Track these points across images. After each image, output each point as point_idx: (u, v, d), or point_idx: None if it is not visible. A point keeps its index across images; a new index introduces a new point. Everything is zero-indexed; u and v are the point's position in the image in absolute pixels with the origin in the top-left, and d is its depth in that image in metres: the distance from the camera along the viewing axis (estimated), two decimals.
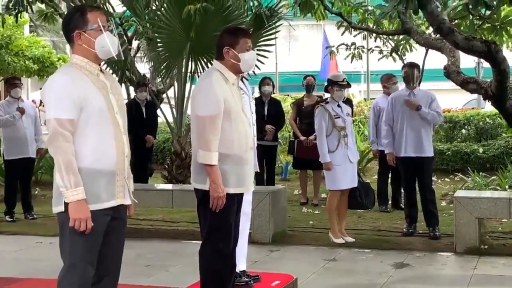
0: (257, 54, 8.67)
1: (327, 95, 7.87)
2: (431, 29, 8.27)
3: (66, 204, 3.48)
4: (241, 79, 4.83)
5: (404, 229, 7.87)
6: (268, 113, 10.03)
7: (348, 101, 10.30)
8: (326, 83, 7.72)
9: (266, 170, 10.10)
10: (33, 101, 20.45)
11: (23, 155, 9.22)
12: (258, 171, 4.96)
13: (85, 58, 3.62)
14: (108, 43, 3.61)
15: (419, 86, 7.97)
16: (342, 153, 7.38)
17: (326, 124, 7.40)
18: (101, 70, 3.70)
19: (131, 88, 11.54)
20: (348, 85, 7.65)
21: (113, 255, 3.71)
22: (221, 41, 4.46)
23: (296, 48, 35.77)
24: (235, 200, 4.39)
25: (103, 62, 3.80)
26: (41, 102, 25.55)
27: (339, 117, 7.44)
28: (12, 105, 9.23)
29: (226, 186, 4.28)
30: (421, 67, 8.33)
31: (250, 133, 4.52)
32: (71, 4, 10.24)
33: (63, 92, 3.50)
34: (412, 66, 7.94)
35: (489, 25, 7.76)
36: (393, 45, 12.08)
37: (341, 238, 7.48)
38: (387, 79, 9.50)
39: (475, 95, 18.77)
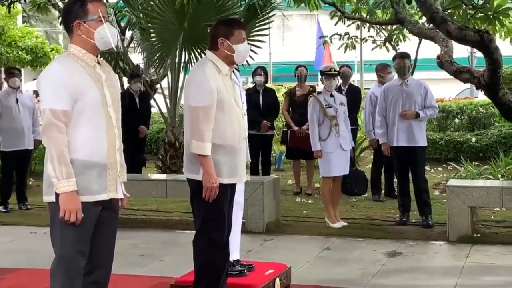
0: (251, 44, 8.67)
1: (321, 86, 8.03)
2: (424, 19, 8.25)
3: (57, 195, 3.48)
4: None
5: (397, 218, 7.92)
6: (263, 103, 10.03)
7: (355, 90, 10.33)
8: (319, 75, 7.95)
9: (261, 160, 10.12)
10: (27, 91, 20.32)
11: (20, 147, 9.19)
12: (250, 161, 4.97)
13: (83, 49, 3.62)
14: (108, 34, 3.60)
15: (411, 75, 8.00)
16: (333, 141, 7.63)
17: (317, 114, 7.67)
18: (98, 62, 3.69)
19: (125, 79, 11.53)
20: (337, 74, 7.96)
21: (105, 246, 3.72)
22: (215, 32, 4.45)
23: (290, 38, 35.68)
24: (228, 190, 4.40)
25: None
26: (34, 92, 25.45)
27: (330, 107, 7.69)
28: (10, 96, 9.18)
29: (219, 176, 4.28)
30: (414, 57, 8.35)
31: (243, 124, 4.52)
32: None
33: (59, 83, 3.50)
34: (403, 56, 7.96)
35: (482, 14, 7.73)
36: (386, 35, 12.10)
37: (338, 222, 7.71)
38: (382, 69, 9.48)
39: (468, 85, 18.71)
